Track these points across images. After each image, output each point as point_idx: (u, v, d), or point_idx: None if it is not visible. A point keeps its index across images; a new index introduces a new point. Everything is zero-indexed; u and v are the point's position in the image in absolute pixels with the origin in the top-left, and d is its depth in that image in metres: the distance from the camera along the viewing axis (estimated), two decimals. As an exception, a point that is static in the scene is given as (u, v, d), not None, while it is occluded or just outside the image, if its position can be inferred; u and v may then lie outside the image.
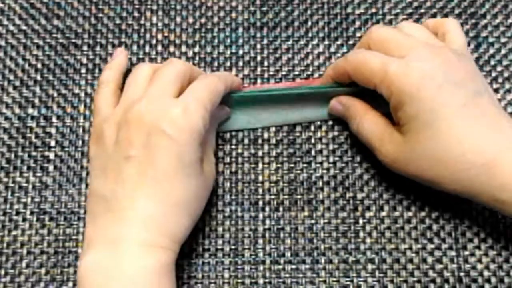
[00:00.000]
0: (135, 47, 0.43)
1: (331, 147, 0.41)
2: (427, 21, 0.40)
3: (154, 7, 0.44)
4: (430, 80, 0.34)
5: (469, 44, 0.43)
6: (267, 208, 0.40)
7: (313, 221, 0.39)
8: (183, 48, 0.43)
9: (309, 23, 0.44)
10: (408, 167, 0.36)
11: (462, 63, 0.35)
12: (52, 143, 0.41)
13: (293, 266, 0.39)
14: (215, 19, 0.44)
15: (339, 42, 0.43)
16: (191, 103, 0.34)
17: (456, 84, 0.34)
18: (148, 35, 0.43)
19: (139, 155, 0.33)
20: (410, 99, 0.34)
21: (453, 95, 0.33)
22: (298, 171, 0.40)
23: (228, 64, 0.43)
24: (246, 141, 0.41)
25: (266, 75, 0.42)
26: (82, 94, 0.42)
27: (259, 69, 0.43)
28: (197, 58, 0.43)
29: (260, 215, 0.40)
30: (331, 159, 0.41)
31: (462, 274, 0.38)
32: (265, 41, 0.43)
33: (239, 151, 0.41)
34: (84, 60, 0.43)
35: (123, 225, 0.32)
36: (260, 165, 0.41)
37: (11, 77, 0.42)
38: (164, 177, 0.33)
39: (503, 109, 0.41)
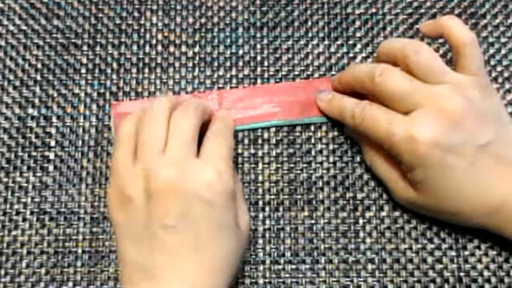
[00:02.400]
0: (135, 47, 0.43)
1: (331, 147, 0.41)
2: (448, 30, 0.36)
3: (154, 7, 0.44)
4: (436, 146, 0.33)
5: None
6: (267, 208, 0.40)
7: (313, 221, 0.39)
8: (183, 48, 0.43)
9: (309, 23, 0.44)
10: (422, 211, 0.38)
11: (470, 111, 0.34)
12: (52, 143, 0.41)
13: (293, 266, 0.39)
14: (215, 19, 0.44)
15: (339, 42, 0.43)
16: (220, 164, 0.34)
17: (462, 143, 0.34)
18: (148, 35, 0.43)
19: (178, 224, 0.32)
20: (418, 166, 0.34)
21: (459, 157, 0.34)
22: (298, 171, 0.40)
23: (228, 64, 0.43)
24: (246, 141, 0.41)
25: (266, 75, 0.42)
26: (82, 94, 0.42)
27: (259, 69, 0.43)
28: (197, 58, 0.43)
29: (260, 215, 0.40)
30: (331, 159, 0.41)
31: (462, 274, 0.38)
32: (265, 41, 0.43)
33: (239, 151, 0.41)
34: (84, 60, 0.43)
35: None
36: (260, 165, 0.41)
37: (11, 77, 0.42)
38: (205, 244, 0.32)
39: (503, 109, 0.41)
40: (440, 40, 0.43)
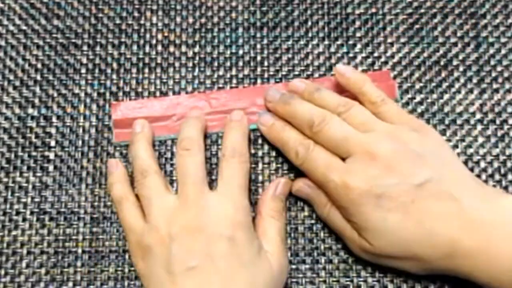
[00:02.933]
0: (135, 47, 0.43)
1: (331, 147, 0.41)
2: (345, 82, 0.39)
3: (154, 7, 0.44)
4: (368, 192, 0.34)
5: (469, 44, 0.43)
6: (267, 208, 0.40)
7: (313, 221, 0.39)
8: (183, 48, 0.43)
9: (309, 23, 0.44)
10: (385, 263, 0.36)
11: (400, 154, 0.34)
12: (52, 143, 0.41)
13: (293, 266, 0.39)
14: (215, 19, 0.44)
15: (339, 42, 0.43)
16: (236, 194, 0.34)
17: (395, 185, 0.34)
18: (148, 35, 0.43)
19: (201, 264, 0.32)
20: (356, 212, 0.34)
21: (395, 198, 0.33)
22: (298, 171, 0.40)
23: (228, 64, 0.43)
24: (246, 141, 0.41)
25: (266, 75, 0.42)
26: (82, 94, 0.42)
27: (259, 69, 0.42)
28: (197, 58, 0.43)
29: (260, 215, 0.39)
30: (331, 159, 0.41)
31: (462, 274, 0.38)
32: (265, 41, 0.43)
33: (239, 151, 0.41)
34: (84, 60, 0.43)
35: None
36: (260, 165, 0.41)
37: (11, 77, 0.42)
38: (229, 277, 0.32)
39: (503, 109, 0.41)
40: (440, 40, 0.43)
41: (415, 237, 0.33)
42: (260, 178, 0.40)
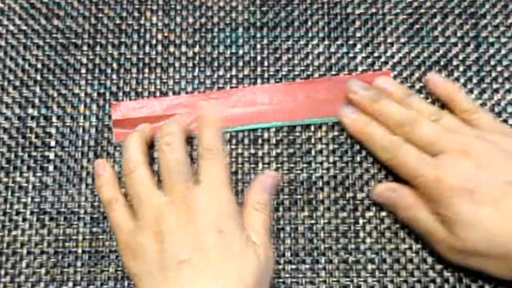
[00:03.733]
0: (135, 47, 0.43)
1: (331, 147, 0.41)
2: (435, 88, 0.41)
3: (154, 7, 0.44)
4: (461, 187, 0.34)
5: (469, 44, 0.43)
6: (267, 208, 0.40)
7: (313, 221, 0.39)
8: (183, 48, 0.43)
9: (309, 23, 0.44)
10: (470, 262, 0.36)
11: (492, 153, 0.36)
12: (52, 143, 0.41)
13: (293, 266, 0.39)
14: (215, 19, 0.44)
15: (339, 42, 0.43)
16: (219, 188, 0.34)
17: (488, 181, 0.34)
18: (148, 35, 0.43)
19: (192, 256, 0.32)
20: (446, 206, 0.35)
21: (487, 193, 0.34)
22: (298, 171, 0.40)
23: (228, 64, 0.43)
24: (246, 141, 0.41)
25: (266, 75, 0.42)
26: (82, 94, 0.42)
27: (259, 69, 0.43)
28: (197, 58, 0.43)
29: (260, 215, 0.39)
30: (331, 159, 0.41)
31: (462, 274, 0.38)
32: (265, 41, 0.43)
33: (239, 151, 0.41)
34: (84, 60, 0.43)
35: None
36: (260, 165, 0.41)
37: (11, 77, 0.42)
38: (218, 268, 0.32)
39: (503, 109, 0.41)
40: (440, 40, 0.43)
41: (507, 233, 0.34)
42: (260, 178, 0.40)
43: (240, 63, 0.43)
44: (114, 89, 0.42)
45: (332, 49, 0.43)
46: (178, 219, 0.33)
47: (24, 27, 0.43)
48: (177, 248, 0.33)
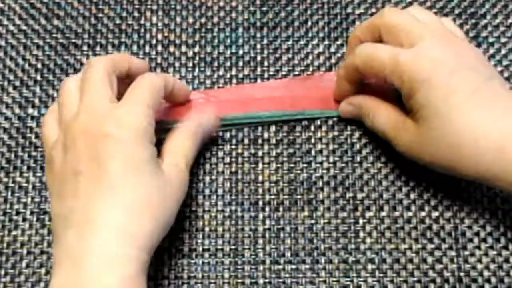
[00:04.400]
0: (135, 47, 0.43)
1: (331, 147, 0.41)
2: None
3: (154, 7, 0.44)
4: (442, 66, 0.33)
5: (469, 44, 0.43)
6: (267, 208, 0.40)
7: (313, 221, 0.39)
8: (183, 48, 0.43)
9: (309, 23, 0.44)
10: (423, 154, 0.35)
11: (473, 50, 0.35)
12: (52, 143, 0.41)
13: (293, 266, 0.39)
14: (215, 19, 0.44)
15: (339, 42, 0.43)
16: (132, 103, 0.33)
17: (468, 68, 0.34)
18: (148, 35, 0.43)
19: (88, 167, 0.31)
20: (422, 87, 0.34)
21: (465, 80, 0.33)
22: (298, 171, 0.40)
23: (228, 64, 0.43)
24: (246, 141, 0.41)
25: (266, 75, 0.42)
26: (82, 94, 0.42)
27: (259, 69, 0.43)
28: (197, 58, 0.43)
29: (260, 215, 0.40)
30: (331, 159, 0.41)
31: (462, 274, 0.38)
32: (265, 41, 0.43)
33: (239, 151, 0.41)
34: (84, 60, 0.43)
35: (83, 240, 0.30)
36: (260, 165, 0.41)
37: (11, 77, 0.42)
38: (116, 180, 0.31)
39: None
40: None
41: (470, 127, 0.33)
42: (260, 178, 0.40)
43: (240, 63, 0.43)
44: (114, 89, 0.42)
45: (332, 49, 0.43)
46: (82, 127, 0.32)
47: (24, 27, 0.43)
48: (75, 159, 0.32)
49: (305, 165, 0.40)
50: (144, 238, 0.31)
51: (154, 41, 0.43)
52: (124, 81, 0.35)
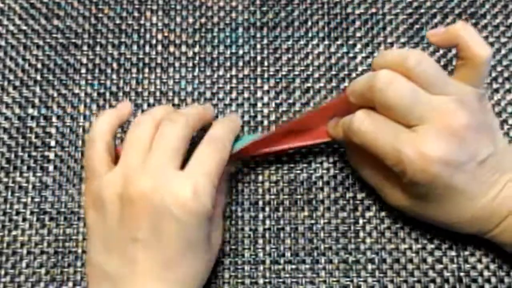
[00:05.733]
0: (135, 47, 0.43)
1: (331, 147, 0.41)
2: (462, 35, 0.34)
3: (154, 7, 0.44)
4: (447, 165, 0.32)
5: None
6: (267, 208, 0.40)
7: (313, 221, 0.39)
8: (183, 48, 0.43)
9: (309, 23, 0.44)
10: (418, 218, 0.37)
11: (472, 126, 0.33)
12: (52, 143, 0.41)
13: (293, 266, 0.39)
14: (215, 19, 0.44)
15: (339, 42, 0.43)
16: (199, 181, 0.32)
17: (467, 161, 0.33)
18: (148, 35, 0.43)
19: (147, 238, 0.31)
20: (425, 184, 0.33)
21: (464, 174, 0.33)
22: (298, 171, 0.40)
23: (228, 64, 0.43)
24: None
25: (266, 75, 0.42)
26: (82, 94, 0.42)
27: (259, 69, 0.43)
28: (197, 58, 0.43)
29: (260, 215, 0.40)
30: (331, 159, 0.41)
31: (462, 274, 0.38)
32: (265, 41, 0.43)
33: (239, 151, 0.41)
34: (84, 60, 0.43)
35: None
36: (260, 165, 0.41)
37: (11, 77, 0.42)
38: (173, 259, 0.32)
39: (503, 109, 0.41)
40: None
41: (466, 208, 0.34)
42: (260, 178, 0.40)
43: (240, 63, 0.43)
44: (114, 89, 0.42)
45: (332, 49, 0.43)
46: (145, 193, 0.31)
47: (24, 27, 0.43)
48: (135, 223, 0.31)
49: (305, 165, 0.40)
50: None
51: (154, 41, 0.43)
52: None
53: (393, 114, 0.33)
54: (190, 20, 0.44)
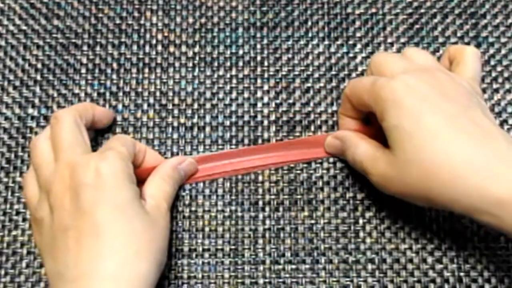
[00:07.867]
0: (135, 47, 0.43)
1: (331, 147, 0.41)
2: (449, 47, 0.38)
3: (154, 7, 0.44)
4: (415, 92, 0.32)
5: (469, 44, 0.43)
6: (267, 208, 0.40)
7: (313, 221, 0.39)
8: (183, 48, 0.43)
9: (309, 23, 0.44)
10: (396, 183, 0.33)
11: (457, 86, 0.33)
12: (52, 143, 0.41)
13: (293, 266, 0.39)
14: (215, 19, 0.44)
15: (339, 42, 0.43)
16: (104, 152, 0.34)
17: (444, 98, 0.32)
18: (148, 35, 0.43)
19: (74, 220, 0.32)
20: (393, 107, 0.32)
21: (438, 107, 0.32)
22: (298, 171, 0.40)
23: (228, 64, 0.43)
24: (246, 141, 0.41)
25: (266, 75, 0.42)
26: (82, 94, 0.42)
27: (259, 69, 0.43)
28: (197, 58, 0.43)
29: (260, 215, 0.40)
30: (331, 159, 0.41)
31: (462, 274, 0.38)
32: (265, 41, 0.43)
33: (239, 151, 0.41)
34: (84, 60, 0.43)
35: None
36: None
37: (11, 77, 0.42)
38: (103, 227, 0.31)
39: (503, 109, 0.41)
40: (440, 40, 0.43)
41: (442, 153, 0.31)
42: (260, 178, 0.40)
43: (240, 63, 0.43)
44: (114, 89, 0.42)
45: (332, 49, 0.43)
46: (63, 183, 0.33)
47: (24, 27, 0.43)
48: (61, 215, 0.32)
49: (305, 165, 0.40)
50: (140, 281, 0.31)
51: (154, 41, 0.43)
52: (89, 131, 0.37)
53: (381, 70, 0.36)
54: (190, 20, 0.44)
